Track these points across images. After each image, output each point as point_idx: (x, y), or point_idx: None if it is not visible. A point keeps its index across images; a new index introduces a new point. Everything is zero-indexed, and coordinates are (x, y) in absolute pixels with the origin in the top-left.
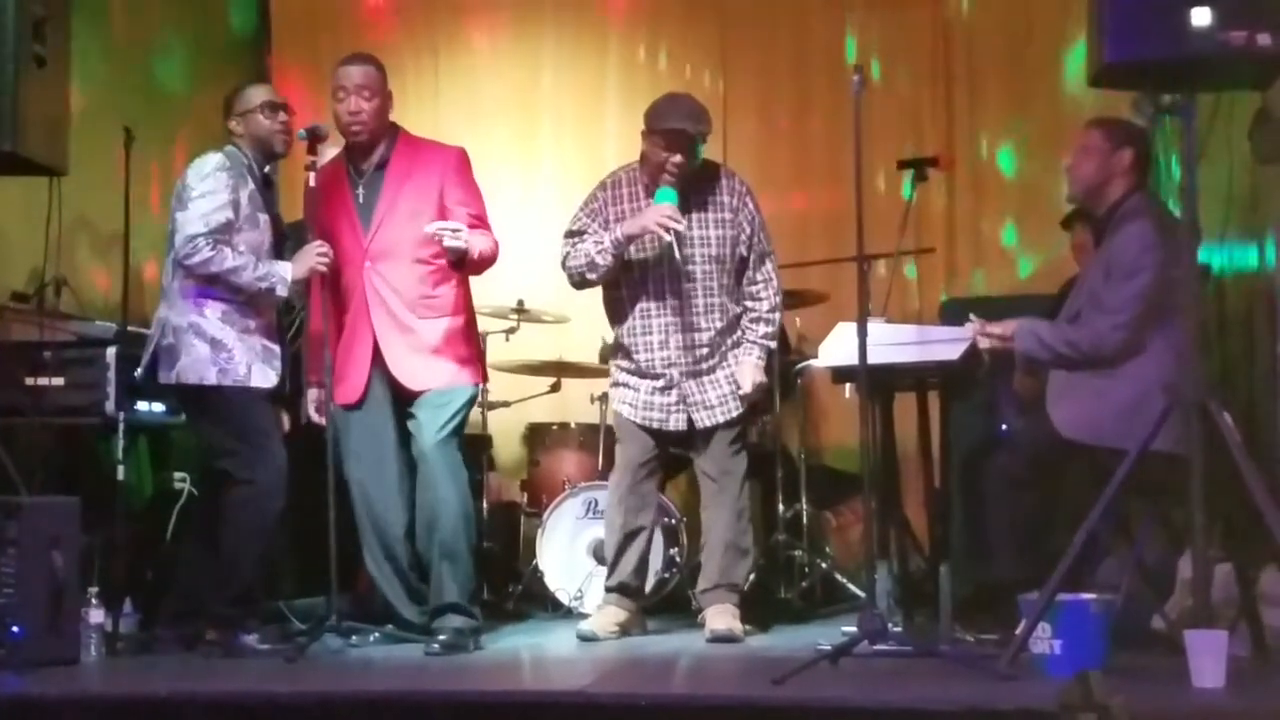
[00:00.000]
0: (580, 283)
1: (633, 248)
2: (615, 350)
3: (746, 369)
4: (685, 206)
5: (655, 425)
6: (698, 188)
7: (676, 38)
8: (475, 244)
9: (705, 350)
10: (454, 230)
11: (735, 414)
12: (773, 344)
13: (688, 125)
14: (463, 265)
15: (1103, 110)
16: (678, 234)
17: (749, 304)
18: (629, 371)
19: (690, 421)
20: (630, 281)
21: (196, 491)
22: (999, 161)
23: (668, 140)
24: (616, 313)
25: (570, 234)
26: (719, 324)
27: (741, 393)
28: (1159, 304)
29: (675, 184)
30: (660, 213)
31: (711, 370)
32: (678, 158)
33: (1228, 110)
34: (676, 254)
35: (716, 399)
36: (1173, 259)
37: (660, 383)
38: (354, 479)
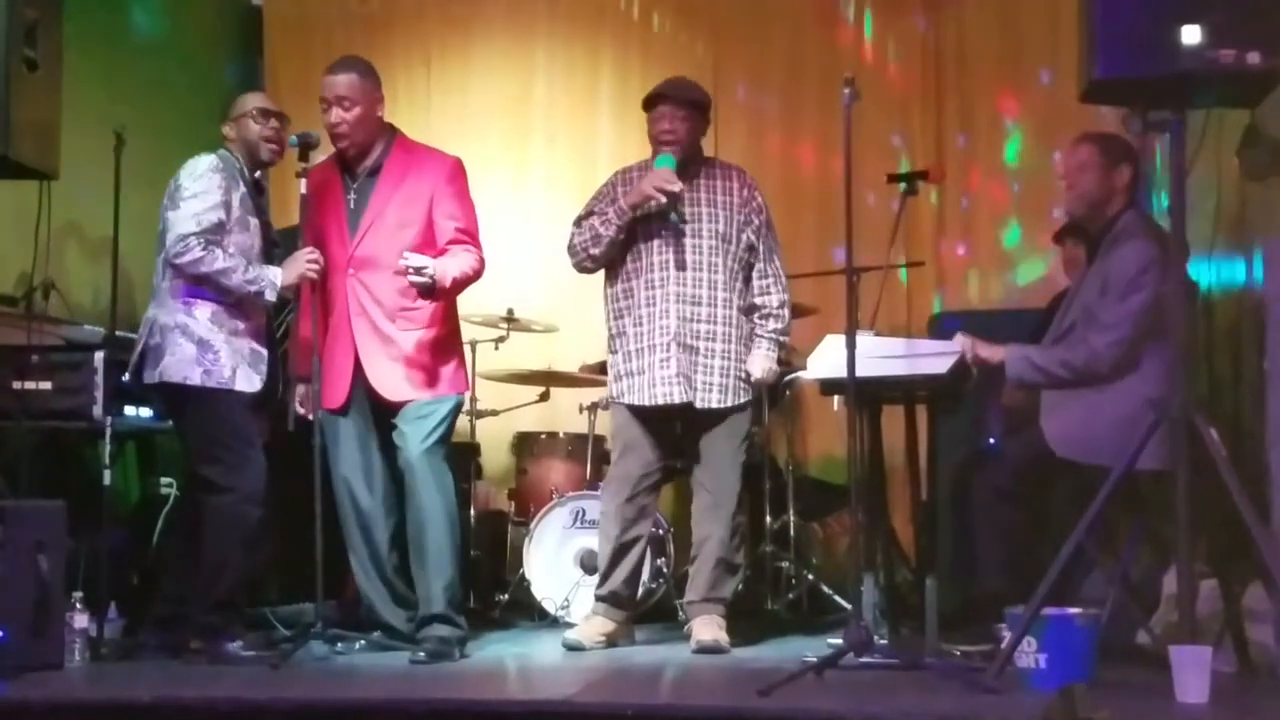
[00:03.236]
0: (584, 260)
1: (640, 233)
2: (615, 338)
3: (757, 359)
4: (695, 186)
5: (659, 401)
6: (709, 174)
7: (669, 47)
8: (449, 270)
9: (704, 326)
10: (418, 268)
11: (743, 400)
12: (783, 339)
13: (666, 90)
14: (432, 296)
15: (1092, 125)
16: (675, 198)
17: (758, 300)
18: (627, 355)
19: (691, 399)
20: (635, 254)
21: (179, 494)
22: (989, 175)
23: (654, 114)
24: (620, 293)
25: (579, 219)
26: (720, 302)
27: (754, 379)
28: (1155, 324)
29: (674, 153)
30: (657, 178)
31: (710, 353)
32: (665, 124)
33: (1216, 127)
34: (673, 216)
35: (719, 384)
36: (1168, 277)
37: (658, 354)
38: (341, 482)
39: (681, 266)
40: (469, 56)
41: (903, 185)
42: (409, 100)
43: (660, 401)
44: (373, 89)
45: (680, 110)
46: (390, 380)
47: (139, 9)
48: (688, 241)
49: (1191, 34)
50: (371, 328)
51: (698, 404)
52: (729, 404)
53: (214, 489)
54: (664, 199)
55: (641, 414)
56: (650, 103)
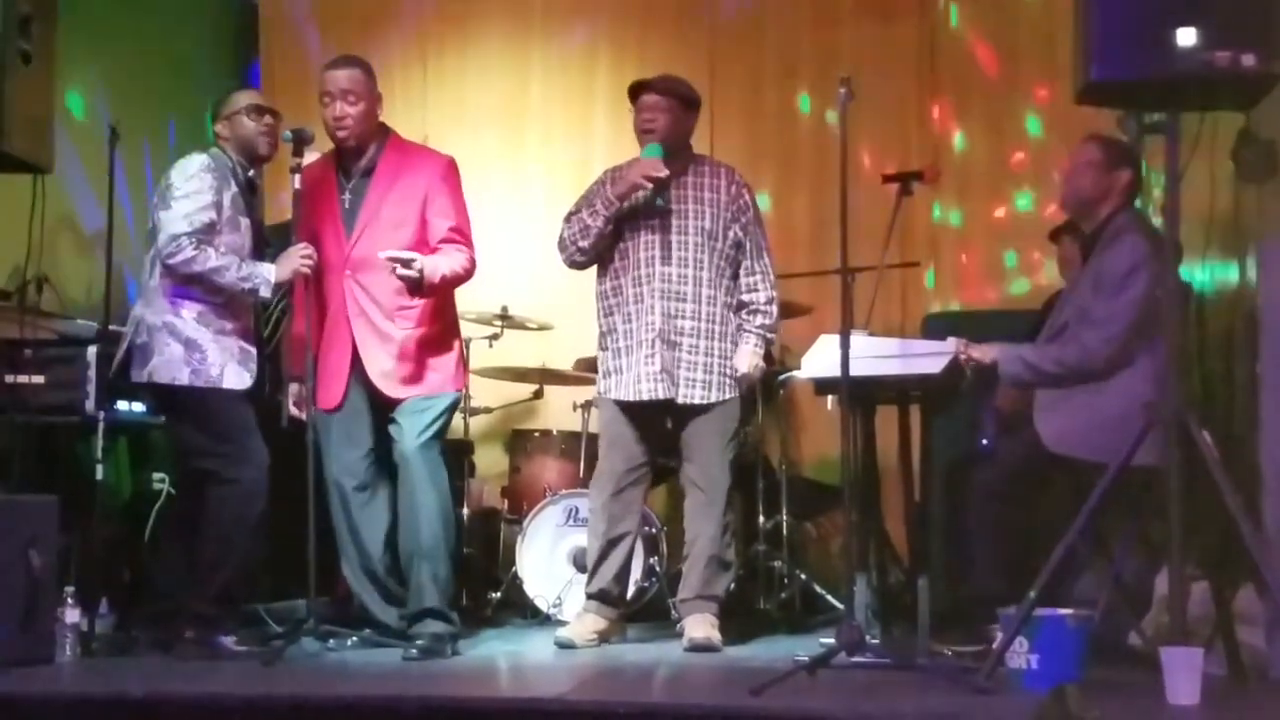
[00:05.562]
0: (573, 254)
1: (627, 230)
2: (605, 335)
3: (744, 355)
4: (682, 182)
5: (644, 397)
6: (697, 171)
7: (665, 46)
8: (438, 267)
9: (689, 322)
10: (406, 261)
11: (726, 396)
12: (770, 335)
13: (648, 80)
14: (420, 290)
15: (1088, 126)
16: (662, 184)
17: (745, 297)
18: (616, 352)
19: (673, 396)
20: (622, 251)
21: (175, 492)
22: (985, 176)
23: (636, 105)
24: (609, 290)
25: (568, 215)
26: (704, 299)
27: (739, 374)
28: (1148, 320)
29: (657, 141)
30: (644, 166)
31: (693, 349)
32: (645, 114)
33: (1211, 129)
34: (660, 201)
35: (701, 380)
36: (1162, 276)
37: (644, 351)
38: (333, 482)
39: (667, 262)
40: (465, 55)
41: (898, 185)
42: (405, 98)
43: (645, 397)
44: (374, 86)
45: (661, 100)
46: (389, 377)
47: (133, 3)
48: (674, 238)
49: (1187, 36)
50: (370, 327)
51: (679, 399)
52: (711, 399)
53: (218, 482)
54: (650, 186)
55: (627, 410)
56: (633, 94)
